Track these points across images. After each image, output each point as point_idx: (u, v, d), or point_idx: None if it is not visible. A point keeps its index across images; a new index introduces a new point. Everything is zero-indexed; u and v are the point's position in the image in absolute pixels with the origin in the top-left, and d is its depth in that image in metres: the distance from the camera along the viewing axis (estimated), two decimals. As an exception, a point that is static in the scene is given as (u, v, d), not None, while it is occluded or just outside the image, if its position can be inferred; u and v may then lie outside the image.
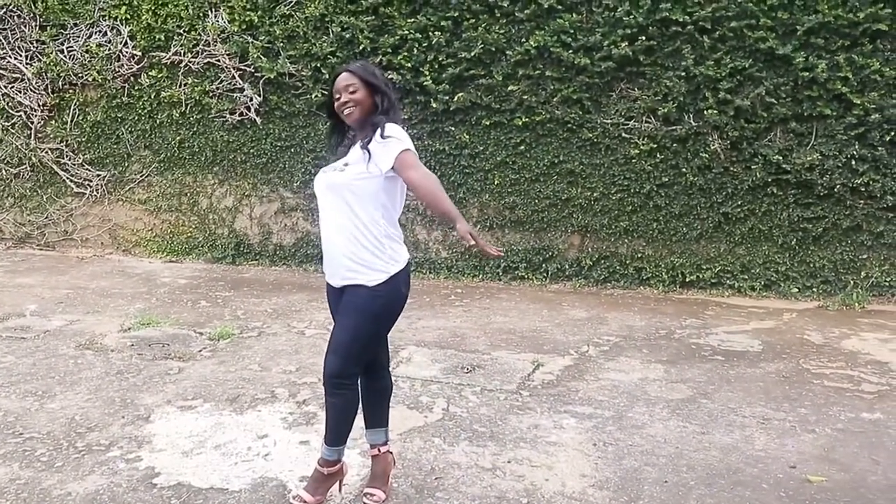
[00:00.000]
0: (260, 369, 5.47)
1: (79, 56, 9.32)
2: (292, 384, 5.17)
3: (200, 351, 5.90)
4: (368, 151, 3.27)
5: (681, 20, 7.40)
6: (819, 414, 4.75)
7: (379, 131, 3.28)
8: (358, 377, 3.48)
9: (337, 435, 3.52)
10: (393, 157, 3.23)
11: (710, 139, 7.60)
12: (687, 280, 7.90)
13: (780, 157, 7.44)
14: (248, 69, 8.75)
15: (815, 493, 3.73)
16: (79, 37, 9.33)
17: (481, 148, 8.20)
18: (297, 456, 4.11)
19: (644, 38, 7.52)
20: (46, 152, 9.71)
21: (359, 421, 3.60)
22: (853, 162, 7.33)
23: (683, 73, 7.52)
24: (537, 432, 4.42)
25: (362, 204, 3.30)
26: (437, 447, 4.21)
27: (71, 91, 9.52)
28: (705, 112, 7.48)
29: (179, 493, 3.68)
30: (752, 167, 7.56)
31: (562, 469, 3.97)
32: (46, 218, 9.90)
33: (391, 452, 3.76)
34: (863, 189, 7.37)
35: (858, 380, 5.35)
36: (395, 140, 3.26)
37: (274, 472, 3.92)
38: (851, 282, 7.56)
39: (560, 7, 7.70)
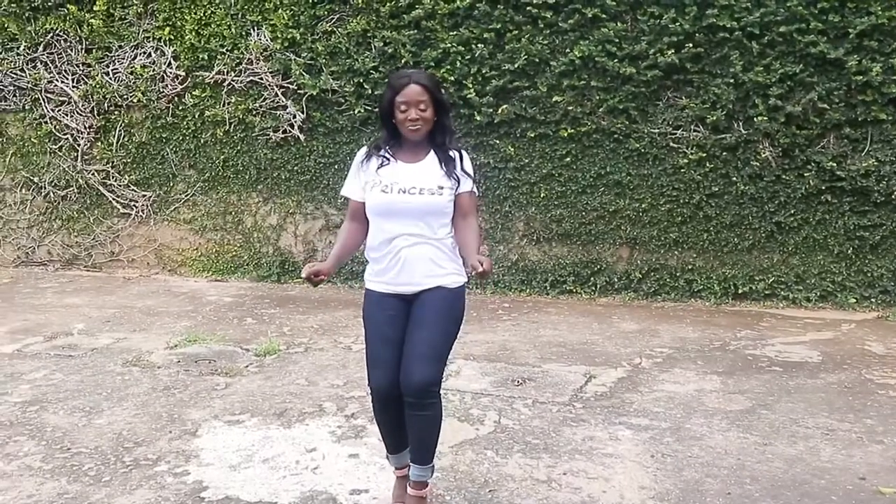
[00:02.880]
0: (307, 384, 5.40)
1: (124, 78, 9.38)
2: (340, 398, 5.09)
3: (247, 366, 5.84)
4: (457, 178, 3.43)
5: (728, 26, 7.26)
6: (886, 424, 4.58)
7: (460, 163, 3.46)
8: None
9: (432, 451, 3.47)
10: (462, 190, 3.45)
11: (761, 147, 7.44)
12: (739, 292, 7.71)
13: (835, 164, 7.26)
14: (290, 86, 8.74)
15: (888, 506, 3.57)
16: (123, 59, 9.40)
17: (527, 160, 8.09)
18: (347, 469, 4.03)
19: (691, 45, 7.38)
20: (93, 174, 9.77)
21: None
22: (911, 167, 7.14)
23: (732, 80, 7.38)
24: (592, 444, 4.30)
25: (447, 219, 3.43)
26: (490, 459, 4.10)
27: (116, 113, 9.57)
28: (755, 119, 7.32)
29: (228, 507, 3.61)
30: (805, 175, 7.37)
31: (619, 481, 3.84)
32: (93, 239, 9.95)
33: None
34: (922, 195, 7.18)
35: (925, 390, 5.16)
36: (470, 180, 3.49)
37: (323, 485, 3.84)
38: (912, 291, 7.34)
39: (604, 16, 7.59)
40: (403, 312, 3.41)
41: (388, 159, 3.44)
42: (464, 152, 3.52)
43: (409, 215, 3.36)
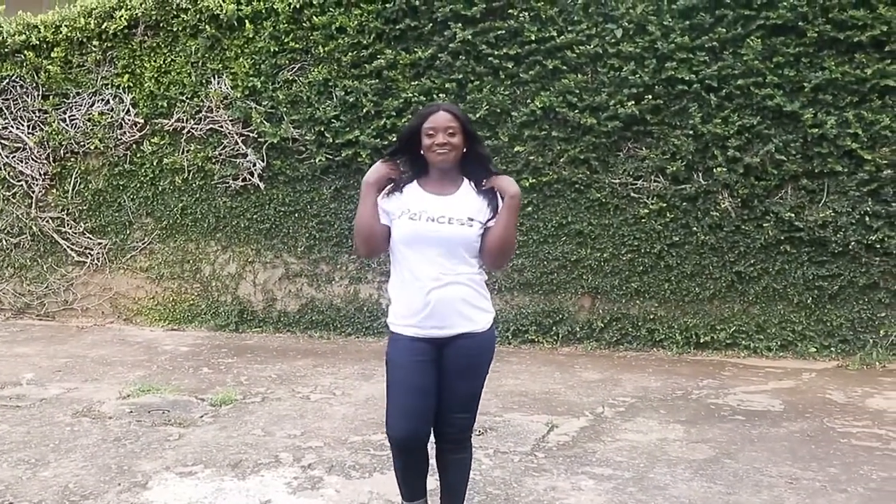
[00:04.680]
0: (263, 434, 5.27)
1: (81, 124, 9.27)
2: (297, 448, 4.96)
3: (202, 417, 5.69)
4: (496, 206, 3.34)
5: (687, 79, 7.35)
6: (850, 473, 4.55)
7: (498, 196, 3.35)
8: None
9: (464, 493, 3.52)
10: None
11: (721, 197, 7.50)
12: (701, 341, 7.69)
13: (793, 215, 7.33)
14: (251, 134, 8.69)
15: (855, 555, 3.52)
16: (81, 105, 9.29)
17: (488, 210, 8.06)
18: (302, 521, 3.90)
19: (650, 97, 7.46)
20: (47, 221, 9.60)
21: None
22: (867, 218, 7.20)
23: (691, 132, 7.45)
24: (555, 494, 4.21)
25: (475, 253, 3.29)
26: (451, 511, 3.99)
27: (73, 159, 9.44)
28: (714, 170, 7.39)
29: (177, 561, 3.47)
30: (764, 225, 7.43)
31: (583, 532, 3.75)
32: (46, 287, 9.74)
33: None
34: (878, 246, 7.23)
35: (887, 438, 5.16)
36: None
37: (278, 538, 3.71)
38: (871, 340, 7.36)
39: (565, 68, 7.67)
40: (434, 357, 3.28)
41: (410, 182, 3.38)
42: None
43: (437, 246, 3.23)
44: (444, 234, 3.23)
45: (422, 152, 3.34)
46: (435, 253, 3.23)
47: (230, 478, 4.50)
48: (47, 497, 4.24)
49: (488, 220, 3.29)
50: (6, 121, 9.54)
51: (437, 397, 3.31)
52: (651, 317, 7.87)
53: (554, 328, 8.08)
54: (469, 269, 3.27)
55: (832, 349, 7.45)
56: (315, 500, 4.18)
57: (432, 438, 3.46)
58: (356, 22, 8.15)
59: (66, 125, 9.34)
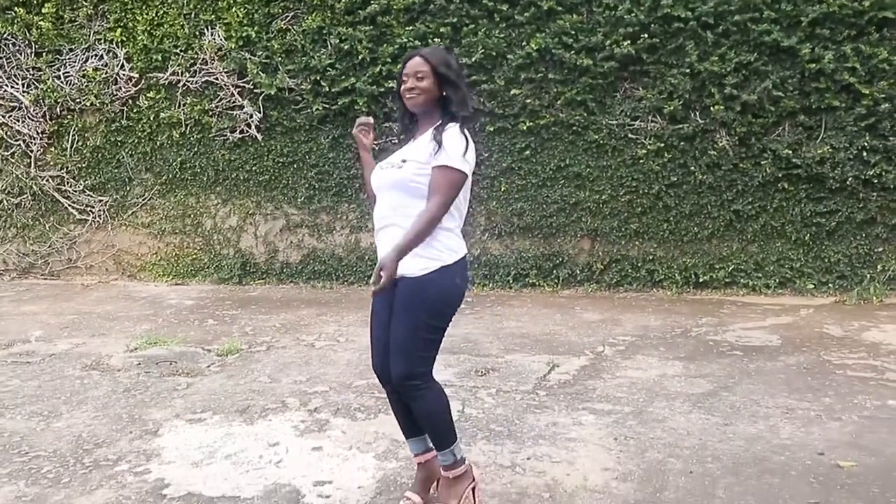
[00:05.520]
0: (270, 381, 5.35)
1: (76, 81, 9.24)
2: (303, 393, 5.04)
3: (209, 366, 5.78)
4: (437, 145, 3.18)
5: (683, 16, 7.32)
6: (844, 402, 4.62)
7: (444, 134, 3.20)
8: (430, 373, 3.29)
9: (437, 436, 3.36)
10: (434, 163, 3.16)
11: (718, 136, 7.50)
12: (700, 280, 7.76)
13: (790, 152, 7.33)
14: (246, 86, 8.67)
15: (847, 478, 3.62)
16: (75, 62, 9.26)
17: (486, 154, 8.08)
18: (310, 462, 3.98)
19: (646, 35, 7.43)
20: (47, 180, 9.62)
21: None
22: (864, 153, 7.22)
23: (688, 70, 7.43)
24: (556, 429, 4.29)
25: (414, 197, 3.19)
26: (454, 448, 4.08)
27: (69, 117, 9.43)
28: (712, 109, 7.38)
29: (190, 503, 3.56)
30: (762, 163, 7.45)
31: (583, 464, 3.84)
32: (49, 247, 9.79)
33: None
34: (875, 181, 7.26)
35: (882, 369, 5.23)
36: (444, 153, 3.16)
37: (286, 478, 3.80)
38: (868, 276, 7.42)
39: (560, 8, 7.63)
40: (393, 295, 3.28)
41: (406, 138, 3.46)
42: (454, 124, 3.26)
43: (381, 190, 3.32)
44: (383, 179, 3.31)
45: None
46: (382, 197, 3.32)
47: (238, 423, 4.59)
48: (62, 446, 4.33)
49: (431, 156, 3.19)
50: (0, 80, 9.50)
51: None
52: (650, 257, 7.93)
53: (554, 271, 8.14)
54: (407, 214, 3.19)
55: (830, 285, 7.51)
56: (322, 441, 4.26)
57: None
58: (349, -33, 8.11)
59: (61, 82, 9.31)
